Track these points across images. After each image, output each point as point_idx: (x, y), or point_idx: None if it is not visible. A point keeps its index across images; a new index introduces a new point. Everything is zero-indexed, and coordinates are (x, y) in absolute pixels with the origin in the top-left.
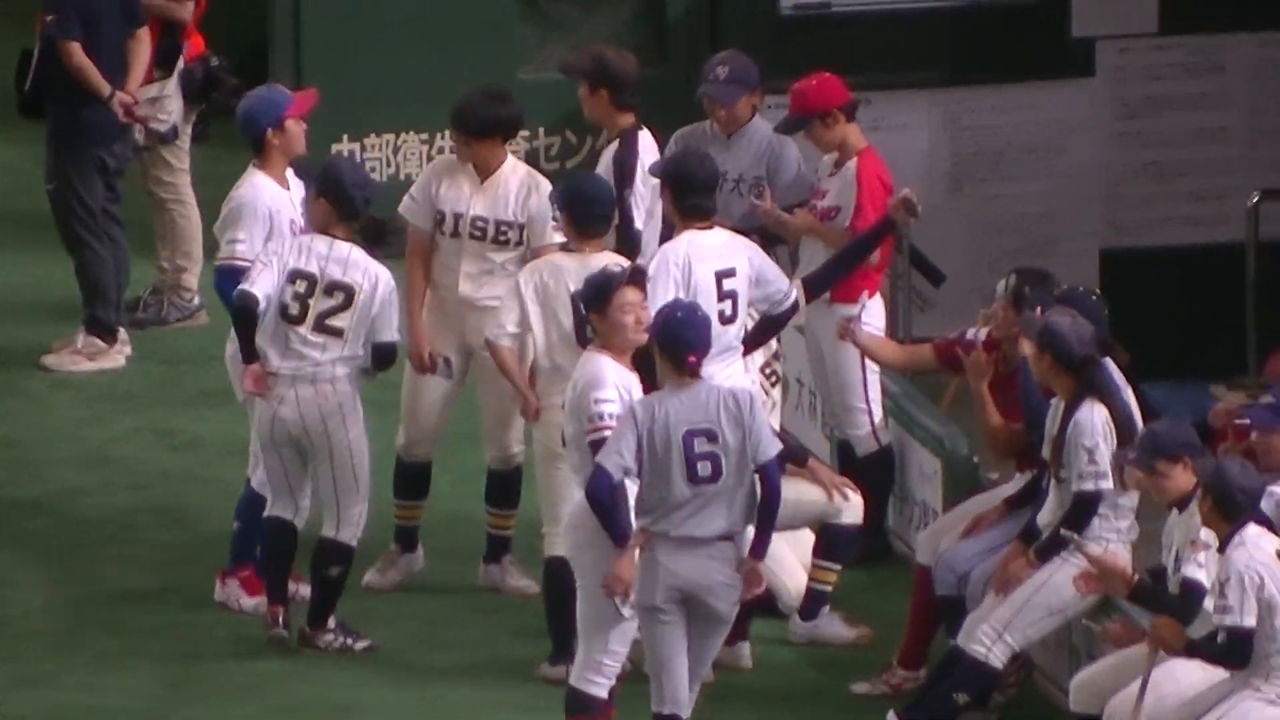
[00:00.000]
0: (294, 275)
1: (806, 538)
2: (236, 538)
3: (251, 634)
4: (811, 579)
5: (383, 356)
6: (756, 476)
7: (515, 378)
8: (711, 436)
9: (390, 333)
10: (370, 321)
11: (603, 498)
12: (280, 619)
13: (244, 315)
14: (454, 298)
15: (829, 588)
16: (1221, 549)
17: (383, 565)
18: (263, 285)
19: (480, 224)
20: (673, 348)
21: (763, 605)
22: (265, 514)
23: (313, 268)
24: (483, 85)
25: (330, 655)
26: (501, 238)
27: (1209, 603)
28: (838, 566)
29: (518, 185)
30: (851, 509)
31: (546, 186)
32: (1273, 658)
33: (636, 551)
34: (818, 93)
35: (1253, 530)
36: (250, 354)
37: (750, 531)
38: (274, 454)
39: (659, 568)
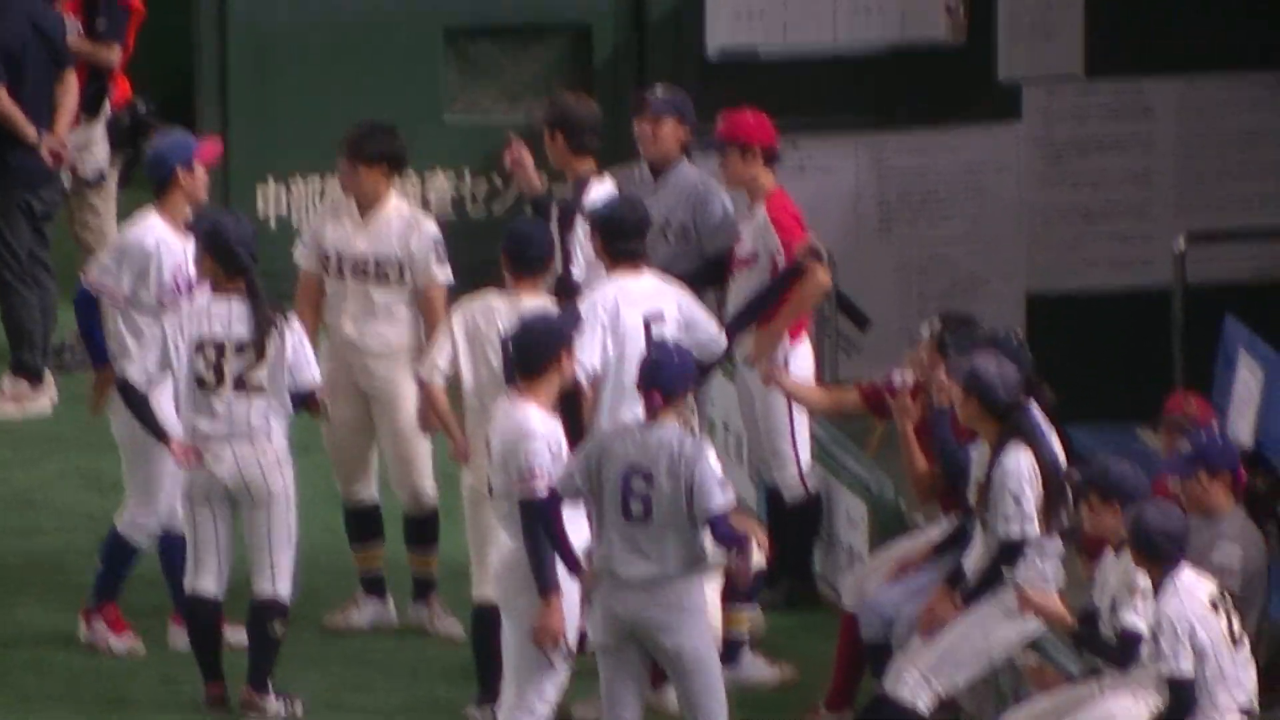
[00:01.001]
0: (200, 344)
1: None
2: (101, 578)
3: (176, 675)
4: (727, 626)
5: (301, 401)
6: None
7: (446, 418)
8: (648, 478)
9: (308, 372)
10: (286, 370)
11: (549, 516)
12: (223, 697)
13: (131, 399)
14: (340, 339)
15: (745, 633)
16: (1155, 594)
17: (346, 607)
18: (142, 368)
19: (362, 262)
20: (646, 377)
21: None
22: (189, 590)
23: (218, 331)
24: (372, 120)
25: None
26: (383, 276)
27: (1145, 651)
28: (751, 610)
29: (400, 223)
30: (756, 552)
31: (430, 225)
32: (1206, 708)
33: (575, 592)
34: (750, 125)
35: (1186, 577)
36: (157, 431)
37: (692, 580)
38: (207, 515)
39: (599, 606)
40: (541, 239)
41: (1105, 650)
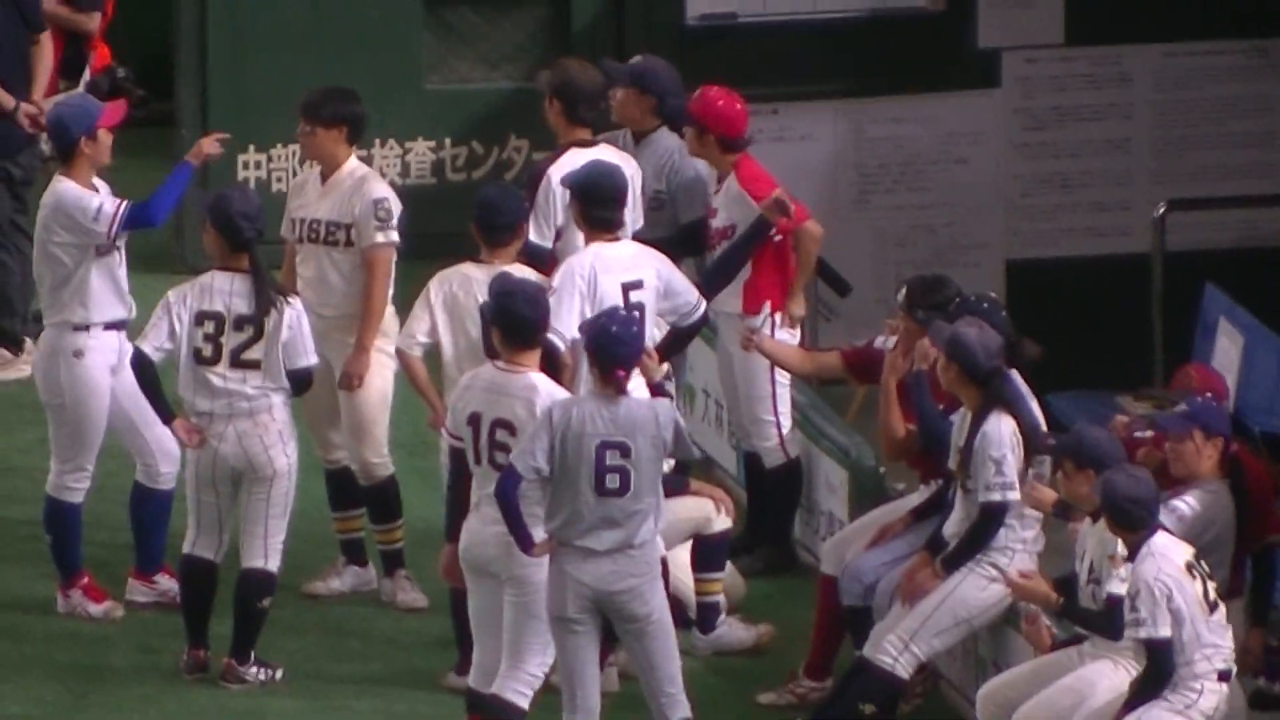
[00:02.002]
0: (200, 317)
1: (684, 553)
2: (54, 549)
3: (152, 643)
4: (699, 594)
5: (298, 381)
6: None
7: (424, 388)
8: (625, 451)
9: (304, 358)
10: (283, 348)
11: (510, 498)
12: (204, 662)
13: (141, 374)
14: (305, 305)
15: (719, 597)
16: (1130, 559)
17: (326, 574)
18: (154, 340)
19: (315, 225)
20: (604, 360)
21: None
22: (185, 552)
23: (218, 306)
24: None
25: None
26: (331, 238)
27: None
28: (720, 575)
29: (351, 186)
30: (721, 518)
31: (376, 187)
32: (1180, 669)
33: (546, 559)
34: (712, 112)
35: (1161, 540)
36: (162, 409)
37: (657, 545)
38: (210, 492)
39: (566, 578)
40: (509, 206)
41: (1091, 622)
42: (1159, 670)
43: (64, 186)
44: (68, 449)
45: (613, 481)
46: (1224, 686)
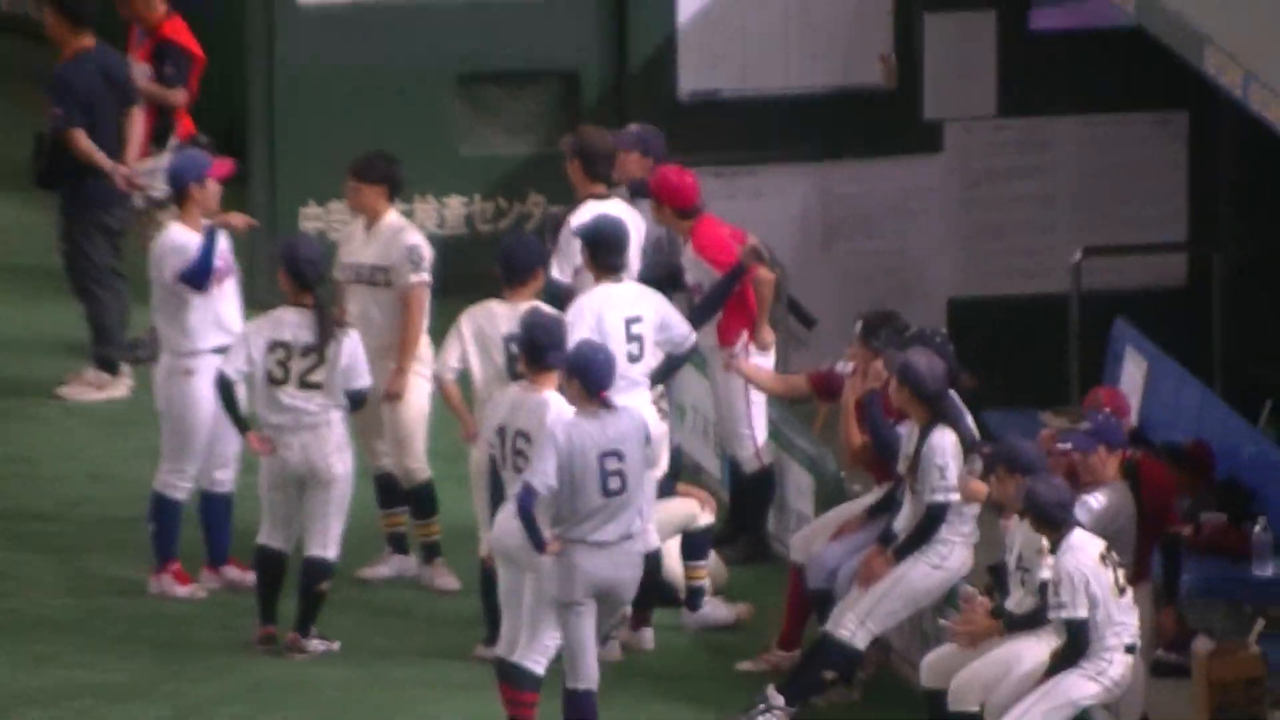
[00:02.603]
0: (272, 345)
1: (674, 545)
2: (155, 537)
3: (228, 620)
4: (688, 579)
5: (354, 400)
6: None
7: (458, 406)
8: (620, 456)
9: (359, 380)
10: (342, 373)
11: (528, 510)
12: (273, 636)
13: (221, 392)
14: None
15: (705, 582)
16: (1052, 552)
17: (374, 562)
18: (233, 364)
19: (360, 269)
20: (587, 381)
21: (664, 597)
22: (259, 542)
23: (287, 336)
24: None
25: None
26: (374, 280)
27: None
28: (705, 563)
29: (390, 234)
30: (705, 515)
31: (410, 235)
32: (1093, 643)
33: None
34: (666, 187)
35: (1077, 536)
36: (238, 423)
37: (652, 530)
38: (280, 492)
39: (577, 569)
40: (526, 253)
41: (1027, 622)
42: (1076, 645)
43: (171, 231)
44: (175, 453)
45: (614, 483)
46: (1130, 658)
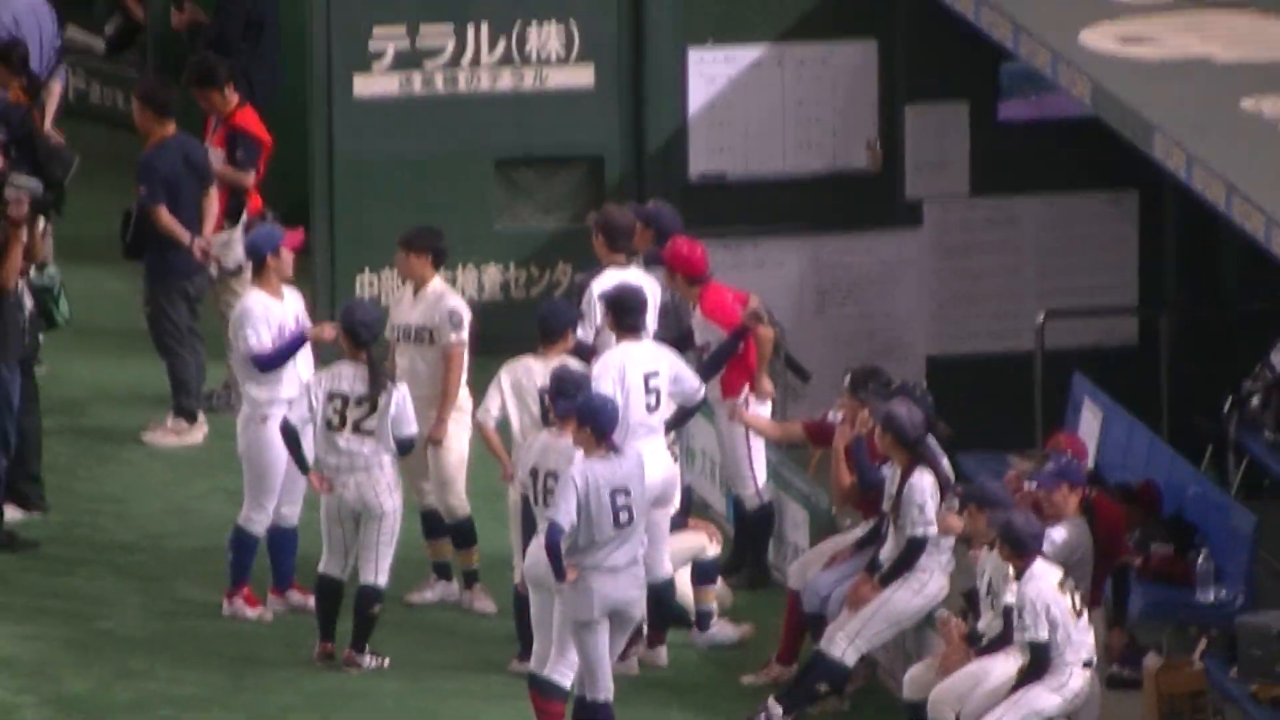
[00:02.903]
0: (331, 395)
1: (686, 573)
2: (231, 565)
3: (293, 639)
4: (697, 602)
5: (402, 446)
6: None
7: (497, 450)
8: (626, 492)
9: (407, 428)
10: (391, 421)
11: (556, 543)
12: (331, 653)
13: (286, 437)
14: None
15: (713, 605)
16: (1017, 579)
17: (421, 587)
18: (297, 412)
19: (408, 329)
20: (597, 428)
21: (677, 619)
22: (320, 570)
23: (344, 387)
24: (424, 224)
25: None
26: (419, 339)
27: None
28: (713, 588)
29: (435, 299)
30: (712, 546)
31: (451, 300)
32: (1054, 660)
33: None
34: (678, 257)
35: (1040, 566)
36: (300, 464)
37: (665, 559)
38: (338, 526)
39: (594, 593)
40: (560, 317)
41: (995, 645)
42: (1039, 663)
43: (251, 298)
44: (255, 492)
45: (624, 516)
46: (1087, 672)
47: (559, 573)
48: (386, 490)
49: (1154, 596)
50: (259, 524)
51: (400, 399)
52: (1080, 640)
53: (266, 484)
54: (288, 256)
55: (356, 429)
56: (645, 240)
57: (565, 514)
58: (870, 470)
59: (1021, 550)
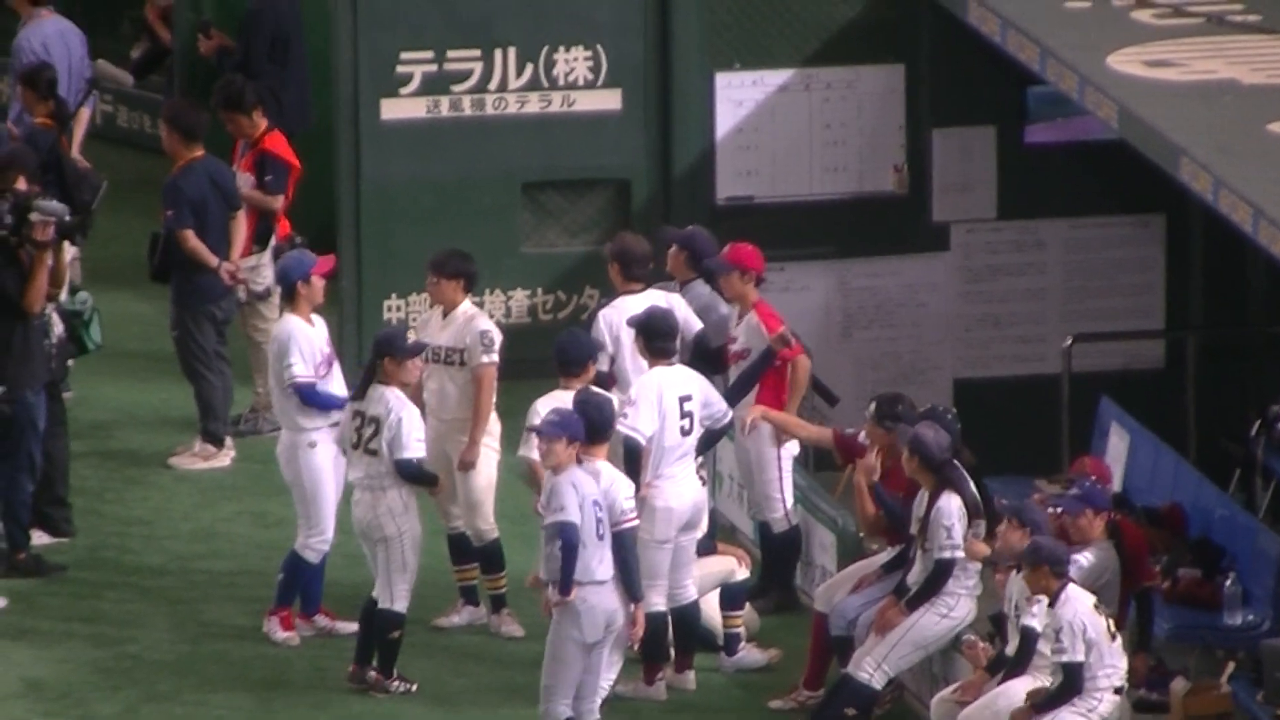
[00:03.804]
0: (354, 414)
1: (714, 597)
2: (280, 585)
3: (321, 663)
4: (725, 626)
5: (400, 468)
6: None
7: (539, 479)
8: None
9: (403, 451)
10: (387, 444)
11: (573, 545)
12: (363, 676)
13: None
14: (430, 412)
15: (741, 629)
16: (1051, 605)
17: (449, 611)
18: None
19: (438, 351)
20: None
21: (704, 642)
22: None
23: (363, 407)
24: (454, 248)
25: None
26: (449, 360)
27: (1045, 647)
28: (741, 613)
29: (465, 321)
30: (741, 570)
31: (481, 322)
32: (1086, 683)
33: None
34: (751, 255)
35: (1074, 589)
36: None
37: (690, 583)
38: (365, 545)
39: (595, 610)
40: (577, 348)
41: (1015, 665)
42: (1071, 685)
43: (288, 325)
44: (310, 519)
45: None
46: (1117, 698)
47: (567, 585)
48: (389, 514)
49: (1181, 620)
50: (316, 552)
51: (396, 421)
52: (1113, 665)
53: (320, 508)
54: (319, 284)
55: (365, 448)
56: (679, 263)
57: (575, 519)
58: (893, 505)
59: (1053, 572)
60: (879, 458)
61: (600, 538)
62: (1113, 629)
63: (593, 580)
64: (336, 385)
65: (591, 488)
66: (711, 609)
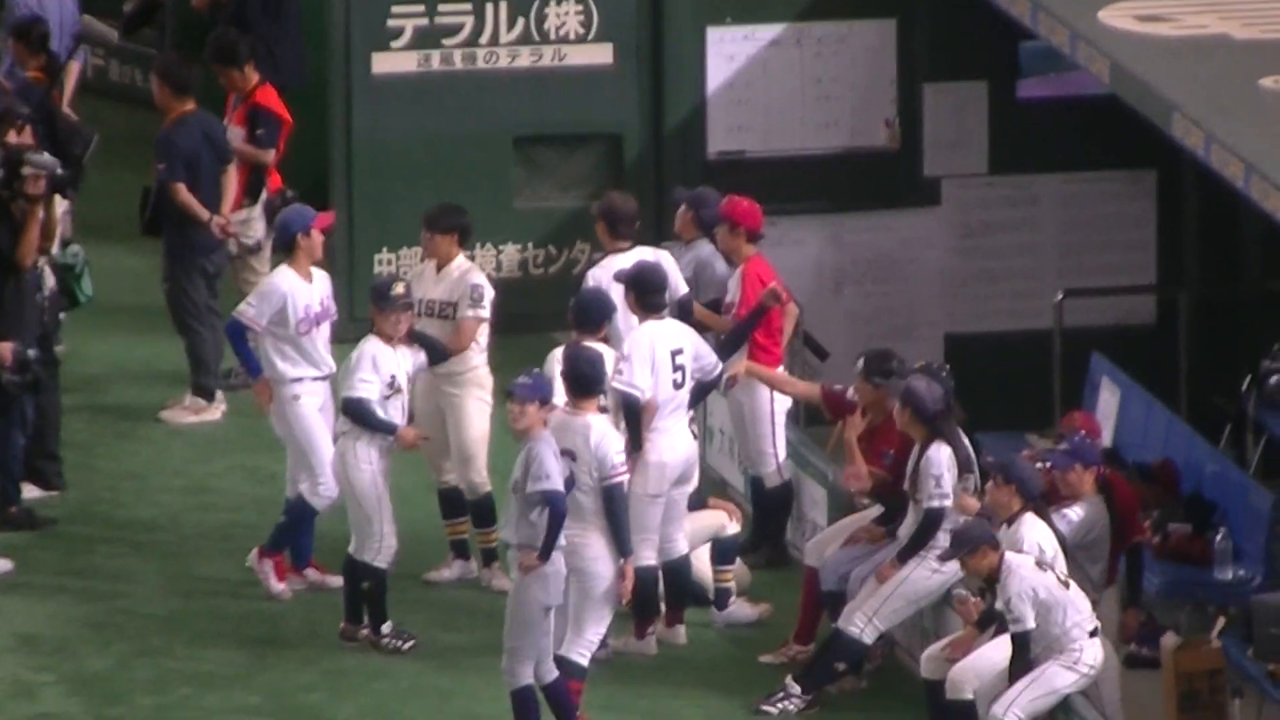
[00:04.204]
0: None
1: (704, 552)
2: (279, 528)
3: (313, 617)
4: (716, 581)
5: (342, 408)
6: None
7: None
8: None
9: (344, 389)
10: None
11: (561, 514)
12: (354, 634)
13: (353, 409)
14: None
15: (731, 584)
16: (995, 580)
17: (440, 566)
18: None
19: (431, 304)
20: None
21: (696, 597)
22: (347, 551)
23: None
24: (446, 204)
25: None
26: (442, 314)
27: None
28: (732, 567)
29: (459, 275)
30: (732, 525)
31: (472, 276)
32: (1063, 638)
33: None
34: (746, 212)
35: (1010, 557)
36: (386, 428)
37: (681, 537)
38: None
39: (560, 573)
40: (598, 304)
41: (1005, 620)
42: (1025, 653)
43: (281, 276)
44: (309, 468)
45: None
46: (1096, 640)
47: (549, 550)
48: (353, 466)
49: (1172, 575)
50: (321, 499)
51: (353, 359)
52: (1079, 612)
53: (318, 457)
54: (318, 238)
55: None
56: (687, 223)
57: (557, 480)
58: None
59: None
60: (863, 416)
61: (570, 489)
62: (1062, 577)
63: (567, 542)
64: (321, 343)
65: (563, 434)
66: (702, 563)
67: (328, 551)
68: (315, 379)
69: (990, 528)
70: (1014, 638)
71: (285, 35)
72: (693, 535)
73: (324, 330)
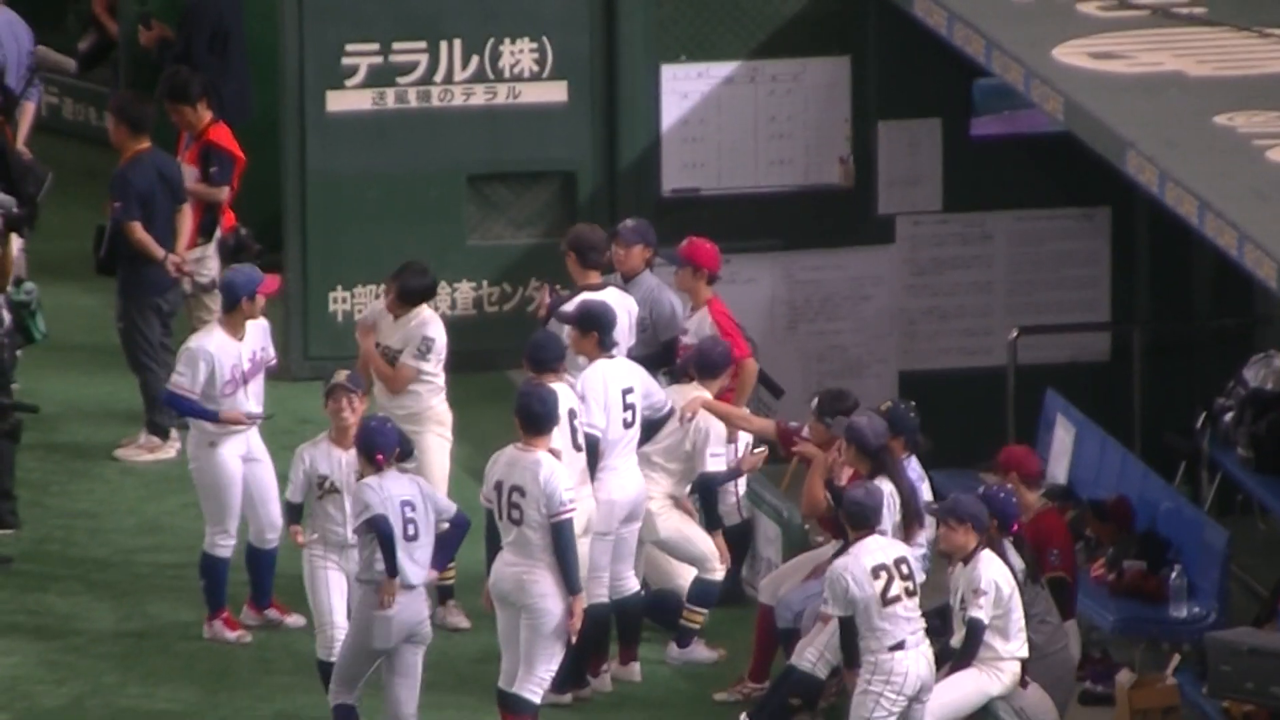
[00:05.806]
0: None
1: (688, 572)
2: (206, 591)
3: (265, 657)
4: (684, 619)
5: None
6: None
7: None
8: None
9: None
10: None
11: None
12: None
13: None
14: (380, 408)
15: (697, 626)
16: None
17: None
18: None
19: (387, 349)
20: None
21: (665, 620)
22: None
23: None
24: (414, 262)
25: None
26: (394, 360)
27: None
28: (705, 610)
29: (417, 324)
30: (721, 571)
31: (427, 329)
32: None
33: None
34: (706, 253)
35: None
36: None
37: (631, 575)
38: None
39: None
40: (551, 346)
41: (961, 655)
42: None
43: (209, 339)
44: (214, 516)
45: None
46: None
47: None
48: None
49: (1127, 612)
50: (224, 548)
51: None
52: (883, 627)
53: (222, 506)
54: (260, 302)
55: None
56: (641, 259)
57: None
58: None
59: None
60: (827, 451)
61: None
62: (891, 593)
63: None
64: (251, 400)
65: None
66: (682, 576)
67: (290, 592)
68: (236, 432)
69: (986, 514)
70: (968, 624)
71: (230, 73)
72: (684, 546)
73: (253, 389)
